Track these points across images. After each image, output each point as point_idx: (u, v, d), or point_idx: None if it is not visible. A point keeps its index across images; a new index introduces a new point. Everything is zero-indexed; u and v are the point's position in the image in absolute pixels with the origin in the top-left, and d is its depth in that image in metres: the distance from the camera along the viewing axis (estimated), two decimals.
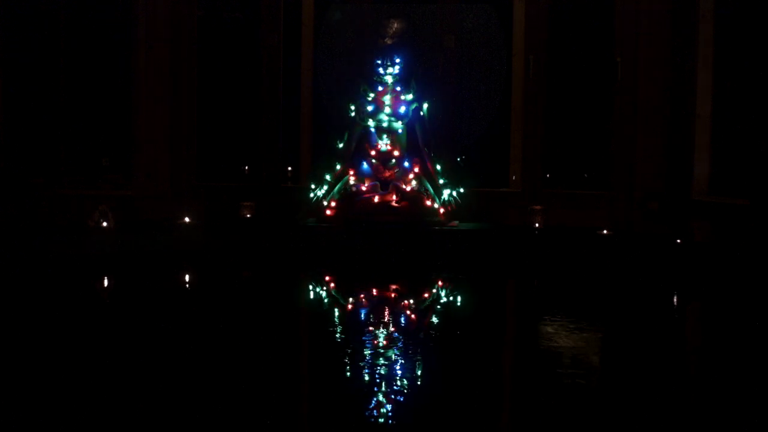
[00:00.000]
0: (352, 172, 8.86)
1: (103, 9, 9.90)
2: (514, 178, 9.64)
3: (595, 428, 3.64)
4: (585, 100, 9.74)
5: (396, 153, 8.85)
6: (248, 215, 9.00)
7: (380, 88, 9.02)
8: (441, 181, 8.90)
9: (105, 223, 8.14)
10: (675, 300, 6.80)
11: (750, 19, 8.05)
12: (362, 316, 5.94)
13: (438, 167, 8.98)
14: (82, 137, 9.99)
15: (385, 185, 8.77)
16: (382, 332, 5.27)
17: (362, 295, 6.76)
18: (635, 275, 7.42)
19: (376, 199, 8.69)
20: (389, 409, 3.75)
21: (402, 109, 8.95)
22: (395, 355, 4.70)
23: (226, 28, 10.35)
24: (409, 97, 9.01)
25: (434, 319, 5.97)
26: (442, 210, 8.68)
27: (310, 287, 7.36)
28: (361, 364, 4.52)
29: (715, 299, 6.66)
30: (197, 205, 9.01)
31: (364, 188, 8.79)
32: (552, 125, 9.70)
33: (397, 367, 4.42)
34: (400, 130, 8.92)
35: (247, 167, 10.31)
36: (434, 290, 7.17)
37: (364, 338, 5.12)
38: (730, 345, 5.17)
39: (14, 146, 9.79)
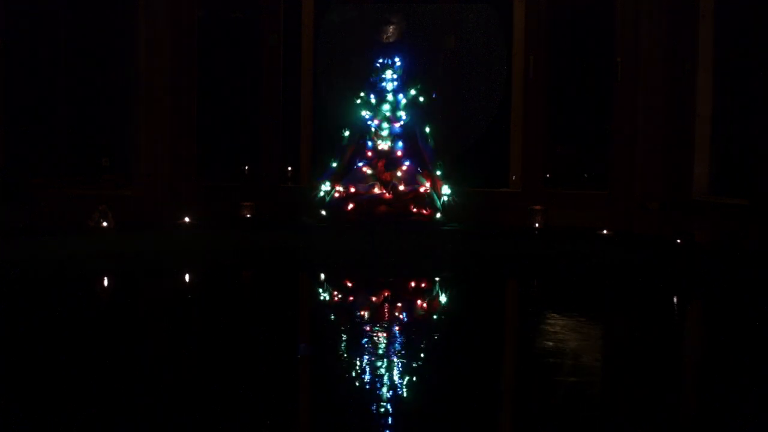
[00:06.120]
0: (357, 168, 8.84)
1: (104, 9, 9.90)
2: (514, 178, 9.64)
3: (595, 428, 3.64)
4: (585, 100, 9.74)
5: (396, 153, 8.85)
6: (248, 215, 9.00)
7: (380, 89, 9.02)
8: (441, 181, 8.89)
9: (105, 223, 8.13)
10: (675, 300, 6.80)
11: (750, 19, 8.04)
12: (361, 316, 5.94)
13: (438, 167, 8.97)
14: (82, 137, 9.98)
15: (385, 185, 8.77)
16: (381, 333, 5.26)
17: (361, 296, 6.76)
18: (635, 275, 7.42)
19: (376, 199, 8.68)
20: (389, 409, 3.75)
21: (402, 110, 8.94)
22: (395, 355, 4.69)
23: (226, 28, 10.35)
24: (409, 97, 9.00)
25: (434, 320, 5.97)
26: (441, 210, 8.67)
27: (310, 287, 7.36)
28: (359, 364, 4.51)
29: (715, 299, 6.66)
30: (197, 205, 9.01)
31: (364, 189, 8.78)
32: (552, 125, 9.70)
33: (397, 368, 4.41)
34: (399, 131, 8.92)
35: (247, 167, 10.31)
36: (434, 290, 7.16)
37: (362, 338, 5.12)
38: (730, 345, 5.17)
39: (14, 146, 9.79)
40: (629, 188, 9.06)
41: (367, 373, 4.31)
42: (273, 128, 9.87)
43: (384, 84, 9.01)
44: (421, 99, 9.05)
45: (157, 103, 9.64)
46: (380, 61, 9.07)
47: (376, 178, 8.83)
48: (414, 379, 4.28)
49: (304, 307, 6.55)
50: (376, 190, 8.74)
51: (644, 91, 8.95)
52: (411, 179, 8.77)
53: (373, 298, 6.59)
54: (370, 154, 8.89)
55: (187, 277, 7.56)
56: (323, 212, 8.74)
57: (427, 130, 9.09)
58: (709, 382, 4.39)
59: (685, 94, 8.64)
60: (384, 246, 8.29)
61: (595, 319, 5.93)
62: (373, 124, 8.95)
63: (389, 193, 8.69)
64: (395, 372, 4.32)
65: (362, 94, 9.06)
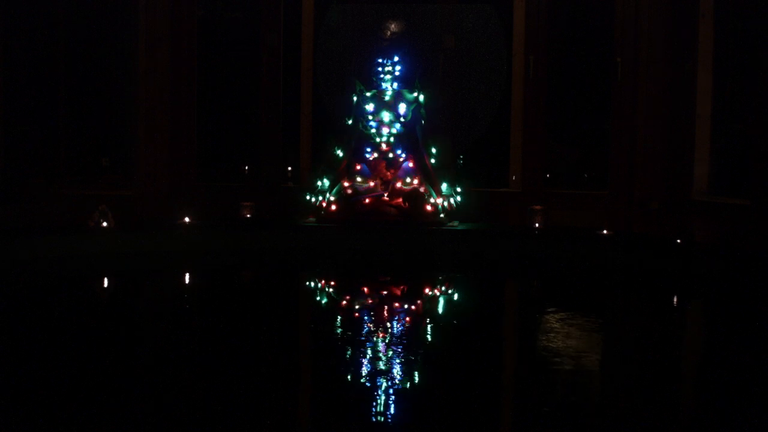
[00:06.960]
0: (357, 168, 8.84)
1: (104, 9, 9.90)
2: (514, 178, 9.64)
3: (595, 427, 3.64)
4: (585, 100, 9.75)
5: (396, 153, 8.85)
6: (248, 215, 9.00)
7: (380, 88, 9.02)
8: (441, 181, 8.89)
9: (105, 223, 8.14)
10: (675, 300, 6.80)
11: (750, 19, 8.05)
12: (361, 316, 5.94)
13: (438, 167, 8.97)
14: (82, 137, 9.99)
15: (385, 185, 8.77)
16: (381, 333, 5.26)
17: (361, 296, 6.76)
18: (635, 275, 7.42)
19: (376, 199, 8.68)
20: (387, 410, 3.75)
21: (402, 109, 8.94)
22: (394, 355, 4.69)
23: (226, 28, 10.35)
24: (409, 97, 9.01)
25: (433, 320, 5.97)
26: (441, 210, 8.68)
27: (310, 288, 7.36)
28: (359, 365, 4.51)
29: (715, 299, 6.66)
30: (197, 205, 9.01)
31: (364, 188, 8.79)
32: (552, 125, 9.71)
33: (396, 368, 4.41)
34: (400, 130, 8.92)
35: (247, 167, 10.32)
36: (434, 290, 7.16)
37: (362, 339, 5.11)
38: (730, 346, 5.17)
39: (14, 146, 9.79)
40: (629, 188, 9.07)
41: (366, 372, 4.31)
42: (273, 128, 9.87)
43: (384, 84, 9.02)
44: (421, 99, 9.05)
45: (157, 103, 9.65)
46: (380, 60, 9.07)
47: (377, 177, 8.83)
48: (411, 379, 4.28)
49: (304, 307, 6.54)
50: (376, 190, 8.74)
51: (644, 91, 8.95)
52: (411, 179, 8.77)
53: (374, 298, 6.59)
54: (370, 153, 8.88)
55: (187, 277, 7.56)
56: (323, 212, 8.74)
57: (427, 130, 9.08)
58: (708, 383, 4.39)
59: (685, 94, 8.65)
60: (384, 246, 8.29)
61: (595, 318, 5.93)
62: (373, 124, 8.95)
63: (389, 193, 8.69)
64: (394, 371, 4.32)
65: (362, 94, 9.05)
